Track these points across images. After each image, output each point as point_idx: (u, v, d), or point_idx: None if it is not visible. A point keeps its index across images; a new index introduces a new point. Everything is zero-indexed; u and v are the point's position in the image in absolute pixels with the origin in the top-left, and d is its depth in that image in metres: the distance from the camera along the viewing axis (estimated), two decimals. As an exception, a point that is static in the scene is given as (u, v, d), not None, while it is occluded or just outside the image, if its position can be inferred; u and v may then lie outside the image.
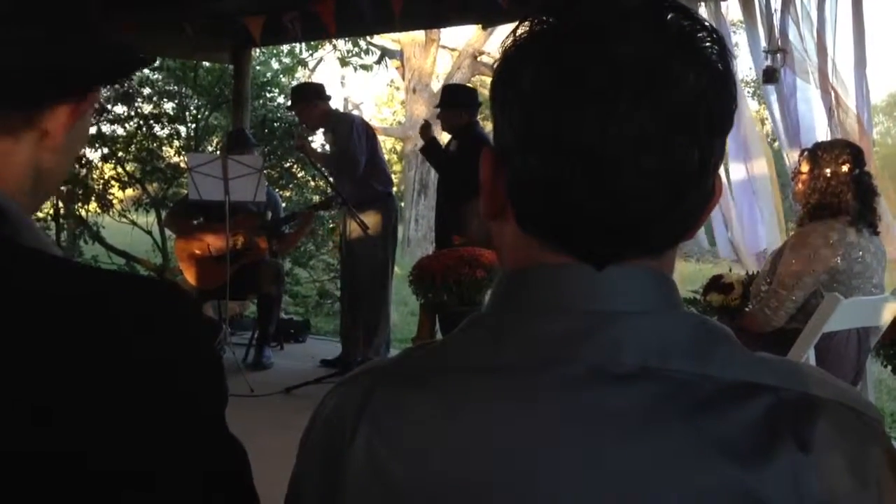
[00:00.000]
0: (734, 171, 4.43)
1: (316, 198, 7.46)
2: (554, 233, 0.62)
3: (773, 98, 4.18)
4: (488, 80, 17.17)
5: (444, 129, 5.08)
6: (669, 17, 0.59)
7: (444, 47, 14.10)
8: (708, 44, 0.59)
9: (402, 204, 13.55)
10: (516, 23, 0.64)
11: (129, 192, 8.50)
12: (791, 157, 3.91)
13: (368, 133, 5.13)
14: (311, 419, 0.69)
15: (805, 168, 3.11)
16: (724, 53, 0.60)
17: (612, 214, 0.59)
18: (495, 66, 0.64)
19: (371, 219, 5.05)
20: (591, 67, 0.57)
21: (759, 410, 0.57)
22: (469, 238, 4.47)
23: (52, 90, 0.65)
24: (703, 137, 0.59)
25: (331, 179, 5.20)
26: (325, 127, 5.34)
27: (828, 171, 3.02)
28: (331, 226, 8.21)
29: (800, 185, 3.12)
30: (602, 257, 0.61)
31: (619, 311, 0.60)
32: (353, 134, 5.00)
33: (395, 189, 6.93)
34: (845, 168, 3.02)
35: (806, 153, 3.17)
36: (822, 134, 4.00)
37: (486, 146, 0.67)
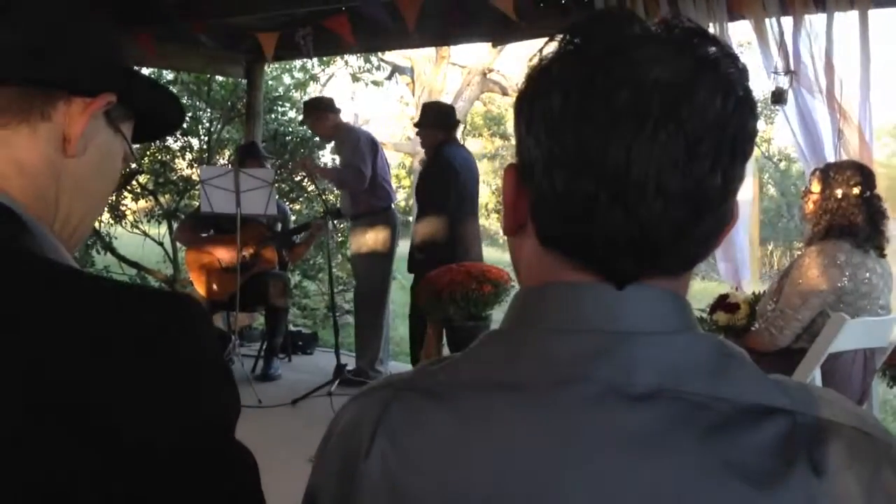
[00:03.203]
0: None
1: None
2: (576, 251, 0.62)
3: (796, 120, 4.16)
4: (497, 97, 17.13)
5: (422, 146, 5.10)
6: (694, 41, 0.60)
7: (454, 64, 14.14)
8: (732, 70, 0.60)
9: (411, 219, 13.55)
10: (544, 40, 0.64)
11: (142, 203, 8.55)
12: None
13: (373, 148, 5.14)
14: (327, 431, 0.69)
15: (816, 188, 3.11)
16: (746, 80, 0.61)
17: (635, 234, 0.59)
18: (521, 84, 0.64)
19: (377, 234, 5.07)
20: (619, 90, 0.58)
21: (773, 433, 0.57)
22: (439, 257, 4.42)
23: (62, 72, 0.67)
24: (726, 161, 0.59)
25: (322, 196, 5.22)
26: (335, 139, 5.38)
27: (839, 192, 3.02)
28: (340, 239, 8.23)
29: (810, 205, 3.12)
30: (623, 277, 0.61)
31: (635, 330, 0.60)
32: (359, 147, 5.04)
33: (402, 204, 6.90)
34: (856, 190, 3.02)
35: (817, 173, 3.17)
36: (830, 153, 4.00)
37: (509, 166, 0.67)
